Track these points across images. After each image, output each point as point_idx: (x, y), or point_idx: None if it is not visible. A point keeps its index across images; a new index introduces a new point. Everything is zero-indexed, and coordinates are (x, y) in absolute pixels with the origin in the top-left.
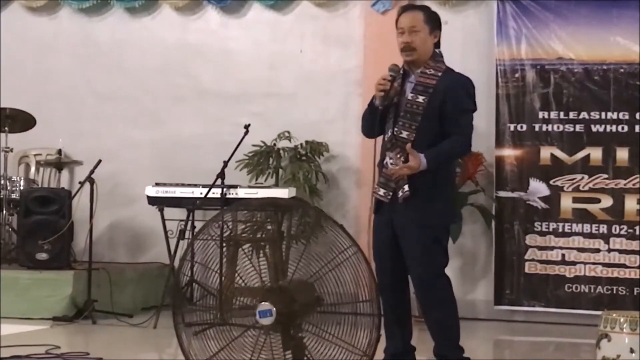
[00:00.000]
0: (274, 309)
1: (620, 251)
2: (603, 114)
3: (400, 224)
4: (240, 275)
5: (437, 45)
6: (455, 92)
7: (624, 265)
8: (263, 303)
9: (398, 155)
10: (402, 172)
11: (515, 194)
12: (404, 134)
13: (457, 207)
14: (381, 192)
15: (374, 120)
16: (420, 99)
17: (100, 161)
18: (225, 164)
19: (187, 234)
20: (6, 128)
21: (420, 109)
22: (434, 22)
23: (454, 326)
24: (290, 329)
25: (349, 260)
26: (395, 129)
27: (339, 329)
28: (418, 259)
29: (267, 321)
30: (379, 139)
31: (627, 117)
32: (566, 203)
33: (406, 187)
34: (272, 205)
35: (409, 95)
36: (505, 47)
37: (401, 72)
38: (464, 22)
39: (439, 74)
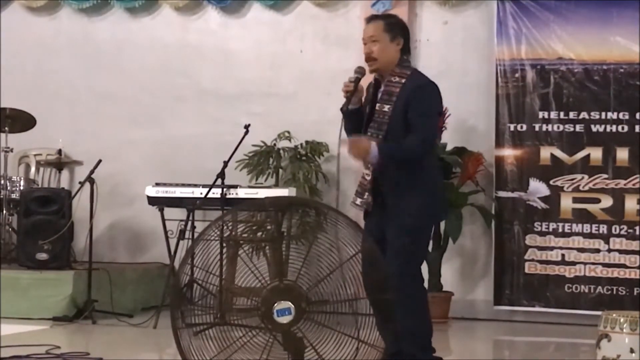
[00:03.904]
0: (293, 306)
1: (620, 251)
2: (603, 114)
3: (387, 226)
4: (255, 273)
5: (406, 51)
6: (416, 96)
7: (624, 266)
8: (282, 301)
9: (369, 165)
10: (352, 152)
11: (515, 194)
12: None
13: (458, 206)
14: (358, 201)
15: (349, 125)
16: (386, 107)
17: (100, 161)
18: (225, 164)
19: (187, 234)
20: (6, 128)
21: (386, 117)
22: (395, 30)
23: (422, 326)
24: (294, 328)
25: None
26: None
27: (347, 327)
28: (393, 258)
29: (285, 319)
30: None
31: (627, 117)
32: (566, 203)
33: (366, 195)
34: (283, 204)
35: (377, 105)
36: (505, 47)
37: (373, 80)
38: (464, 22)
39: (403, 80)
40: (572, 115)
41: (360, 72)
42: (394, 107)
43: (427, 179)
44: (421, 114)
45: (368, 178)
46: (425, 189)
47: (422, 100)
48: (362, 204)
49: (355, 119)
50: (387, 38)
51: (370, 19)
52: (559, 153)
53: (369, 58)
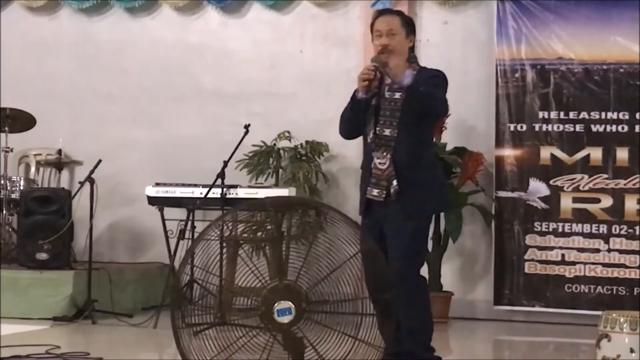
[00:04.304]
0: (293, 306)
1: (620, 251)
2: (603, 114)
3: (389, 220)
4: (255, 273)
5: (412, 49)
6: (429, 80)
7: (624, 265)
8: (282, 301)
9: (384, 154)
10: (391, 61)
11: (515, 194)
12: (387, 132)
13: (458, 206)
14: (375, 192)
15: (357, 116)
16: (397, 95)
17: (100, 161)
18: (225, 164)
19: (187, 234)
20: (6, 128)
21: (399, 104)
22: (409, 27)
23: (423, 326)
24: (294, 328)
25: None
26: (378, 128)
27: (346, 326)
28: (396, 258)
29: (285, 319)
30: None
31: (627, 117)
32: (566, 203)
33: (395, 182)
34: (283, 204)
35: (387, 94)
36: (505, 47)
37: (379, 73)
38: (464, 22)
39: (414, 72)
40: (572, 115)
41: (378, 61)
42: (406, 94)
43: (435, 173)
44: (436, 89)
45: (383, 167)
46: (435, 183)
47: (437, 81)
48: (379, 194)
49: (362, 108)
50: (403, 33)
51: (385, 12)
52: (559, 153)
53: (385, 50)
